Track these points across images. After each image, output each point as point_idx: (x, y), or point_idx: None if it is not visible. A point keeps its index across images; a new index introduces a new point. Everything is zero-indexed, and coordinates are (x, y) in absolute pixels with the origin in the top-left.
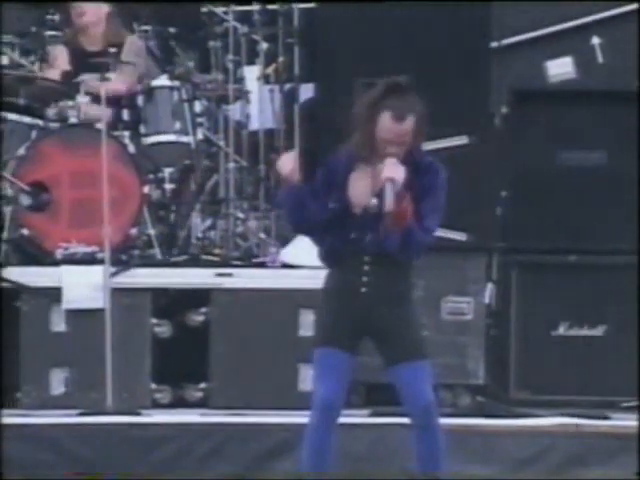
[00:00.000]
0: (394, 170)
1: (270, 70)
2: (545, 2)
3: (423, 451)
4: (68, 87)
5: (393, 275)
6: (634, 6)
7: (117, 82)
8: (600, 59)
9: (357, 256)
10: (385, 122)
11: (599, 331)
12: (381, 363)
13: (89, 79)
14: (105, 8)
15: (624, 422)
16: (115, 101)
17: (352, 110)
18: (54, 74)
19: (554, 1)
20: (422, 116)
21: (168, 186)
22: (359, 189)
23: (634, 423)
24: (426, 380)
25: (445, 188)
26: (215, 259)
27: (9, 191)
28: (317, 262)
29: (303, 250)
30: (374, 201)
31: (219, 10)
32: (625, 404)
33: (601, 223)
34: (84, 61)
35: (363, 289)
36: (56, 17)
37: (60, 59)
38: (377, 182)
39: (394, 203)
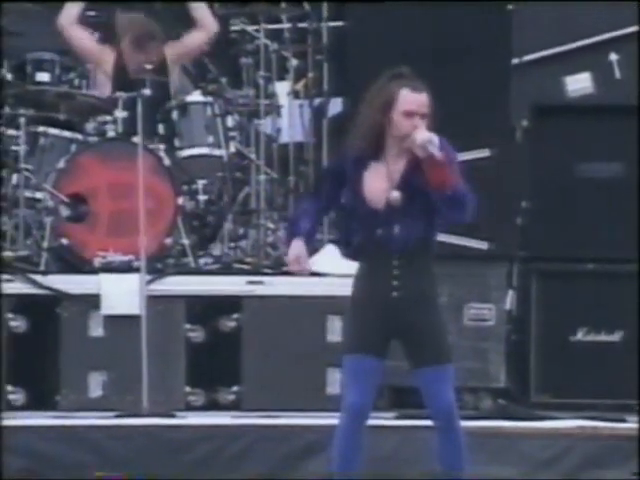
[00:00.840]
0: (428, 133)
1: (300, 86)
2: (564, 20)
3: (445, 452)
4: (106, 103)
5: (422, 278)
6: None
7: None
8: (617, 75)
9: (386, 258)
10: (405, 95)
11: (616, 337)
12: (408, 365)
13: None
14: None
15: (638, 425)
16: None
17: (358, 110)
18: (95, 92)
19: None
20: (431, 102)
21: (201, 197)
22: (377, 186)
23: None
24: (448, 384)
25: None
26: (246, 267)
27: (50, 202)
28: (344, 270)
29: (331, 259)
30: (396, 194)
31: (250, 28)
32: (639, 407)
33: (618, 232)
34: (123, 77)
35: (394, 293)
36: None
37: (100, 79)
38: (394, 177)
39: (441, 155)
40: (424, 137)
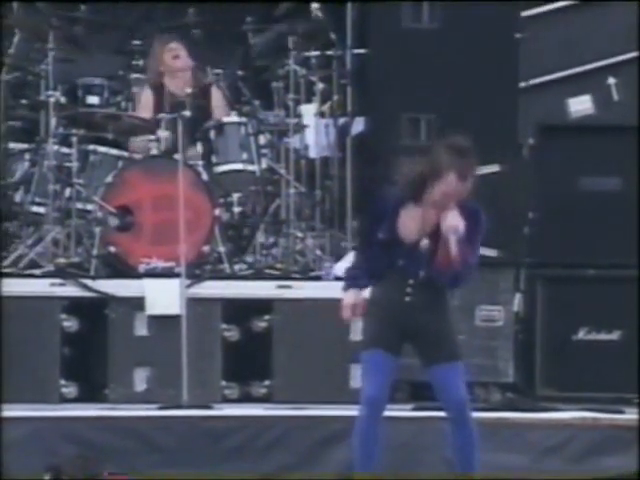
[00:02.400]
0: (457, 220)
1: (325, 107)
2: (566, 47)
3: (458, 442)
4: (150, 123)
5: (432, 289)
6: None
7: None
8: (615, 97)
9: (402, 279)
10: (450, 181)
11: (614, 336)
12: (420, 364)
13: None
14: (190, 61)
15: (637, 416)
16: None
17: (414, 161)
18: (140, 114)
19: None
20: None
21: (236, 209)
22: (410, 225)
23: None
24: (460, 378)
25: (484, 229)
26: (277, 273)
27: (99, 214)
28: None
29: None
30: (426, 242)
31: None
32: (638, 400)
33: (616, 241)
34: (166, 101)
35: (407, 298)
36: (140, 62)
37: (144, 102)
38: (427, 223)
39: (456, 250)
40: (451, 225)
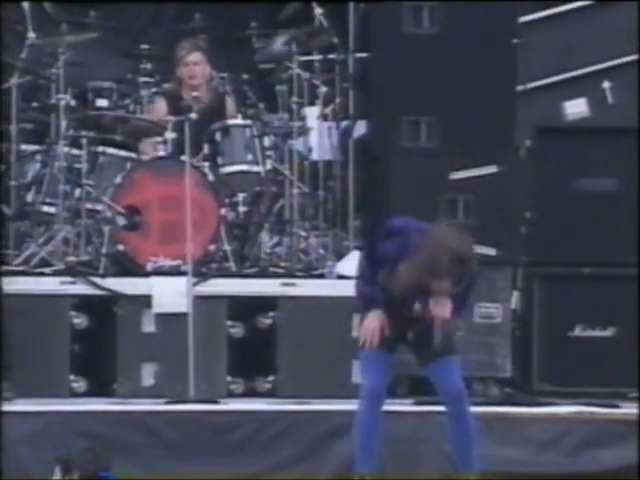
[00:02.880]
0: (444, 310)
1: (328, 110)
2: (563, 52)
3: (456, 436)
4: (157, 126)
5: None
6: (637, 56)
7: None
8: (610, 100)
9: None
10: (445, 285)
11: (609, 332)
12: (417, 362)
13: None
14: (208, 70)
15: (632, 410)
16: None
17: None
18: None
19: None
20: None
21: (241, 209)
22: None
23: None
24: (456, 372)
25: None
26: (281, 271)
27: (108, 213)
28: None
29: (355, 264)
30: (417, 306)
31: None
32: (632, 394)
33: (611, 240)
34: (181, 109)
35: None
36: (148, 66)
37: (159, 111)
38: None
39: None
40: (439, 315)
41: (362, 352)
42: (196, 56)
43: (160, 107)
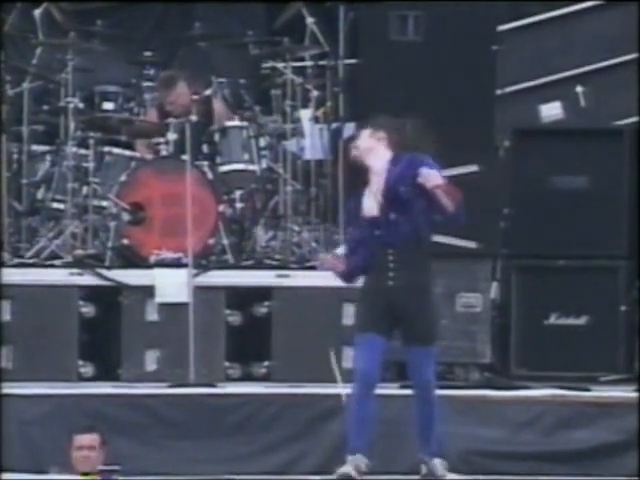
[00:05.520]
0: (433, 178)
1: (320, 113)
2: (539, 58)
3: (420, 418)
4: (159, 127)
5: (414, 270)
6: (610, 62)
7: None
8: (583, 103)
9: (383, 254)
10: (363, 136)
11: (582, 320)
12: (402, 342)
13: None
14: (191, 95)
15: (602, 393)
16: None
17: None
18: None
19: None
20: (398, 129)
21: (238, 205)
22: (369, 201)
23: (611, 394)
24: (430, 363)
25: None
26: (276, 263)
27: (113, 209)
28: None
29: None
30: (379, 198)
31: (279, 65)
32: (603, 378)
33: (584, 234)
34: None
35: (390, 283)
36: (151, 72)
37: (150, 119)
38: (376, 190)
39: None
40: (433, 184)
41: (357, 338)
42: (180, 88)
43: (152, 116)
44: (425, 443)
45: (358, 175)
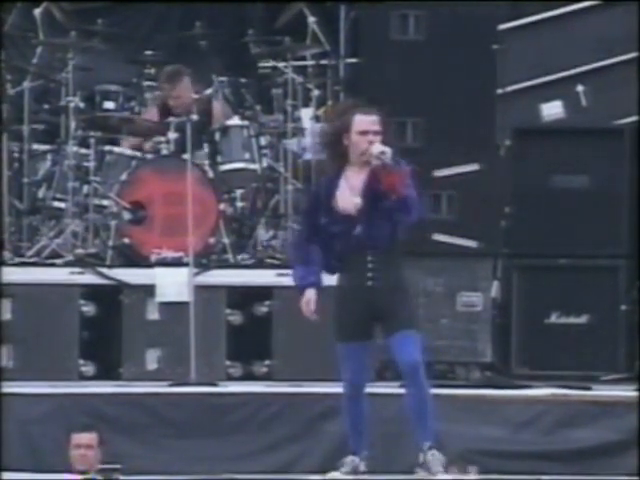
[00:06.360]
0: (381, 146)
1: (321, 112)
2: (540, 58)
3: (412, 406)
4: (160, 126)
5: (391, 270)
6: (610, 61)
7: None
8: (583, 103)
9: (361, 255)
10: (358, 118)
11: (583, 319)
12: (381, 338)
13: None
14: (193, 91)
15: (603, 392)
16: None
17: (322, 139)
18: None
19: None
20: (384, 120)
21: (239, 204)
22: (346, 197)
23: (612, 393)
24: (414, 344)
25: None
26: (276, 262)
27: (114, 208)
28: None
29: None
30: (357, 200)
31: (280, 65)
32: (603, 378)
33: (585, 233)
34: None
35: (369, 283)
36: (152, 71)
37: (150, 116)
38: (357, 187)
39: (389, 173)
40: (379, 149)
41: (338, 346)
42: (184, 83)
43: (152, 114)
44: (420, 433)
45: (334, 159)
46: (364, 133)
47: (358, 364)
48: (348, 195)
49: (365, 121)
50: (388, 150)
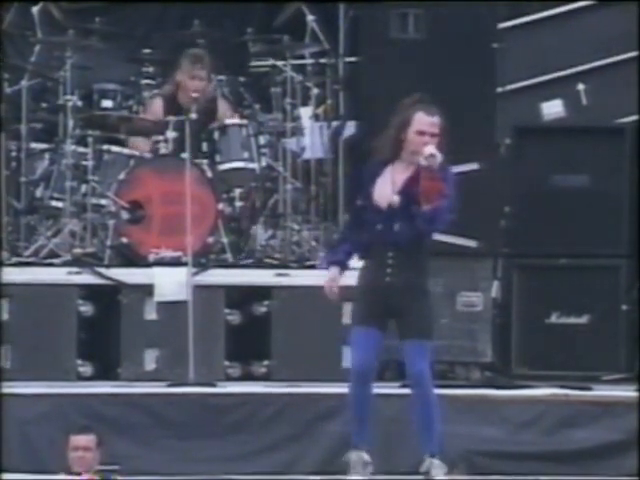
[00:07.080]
0: (433, 149)
1: (320, 110)
2: (540, 56)
3: (418, 417)
4: (159, 125)
5: (412, 269)
6: (611, 60)
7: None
8: (584, 101)
9: (383, 250)
10: (419, 117)
11: (584, 319)
12: (397, 334)
13: None
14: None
15: (604, 392)
16: None
17: (390, 124)
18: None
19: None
20: (443, 124)
21: (238, 203)
22: (384, 189)
23: (613, 393)
24: (424, 357)
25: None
26: (275, 262)
27: (112, 208)
28: (356, 264)
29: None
30: (395, 198)
31: (279, 63)
32: (604, 378)
33: (585, 232)
34: (176, 110)
35: (387, 279)
36: (150, 69)
37: (154, 109)
38: (398, 184)
39: (431, 178)
40: (430, 151)
41: (352, 332)
42: (203, 73)
43: (157, 106)
44: (424, 442)
45: (389, 148)
46: (421, 133)
47: (367, 351)
48: (388, 189)
49: (425, 121)
50: (438, 155)
